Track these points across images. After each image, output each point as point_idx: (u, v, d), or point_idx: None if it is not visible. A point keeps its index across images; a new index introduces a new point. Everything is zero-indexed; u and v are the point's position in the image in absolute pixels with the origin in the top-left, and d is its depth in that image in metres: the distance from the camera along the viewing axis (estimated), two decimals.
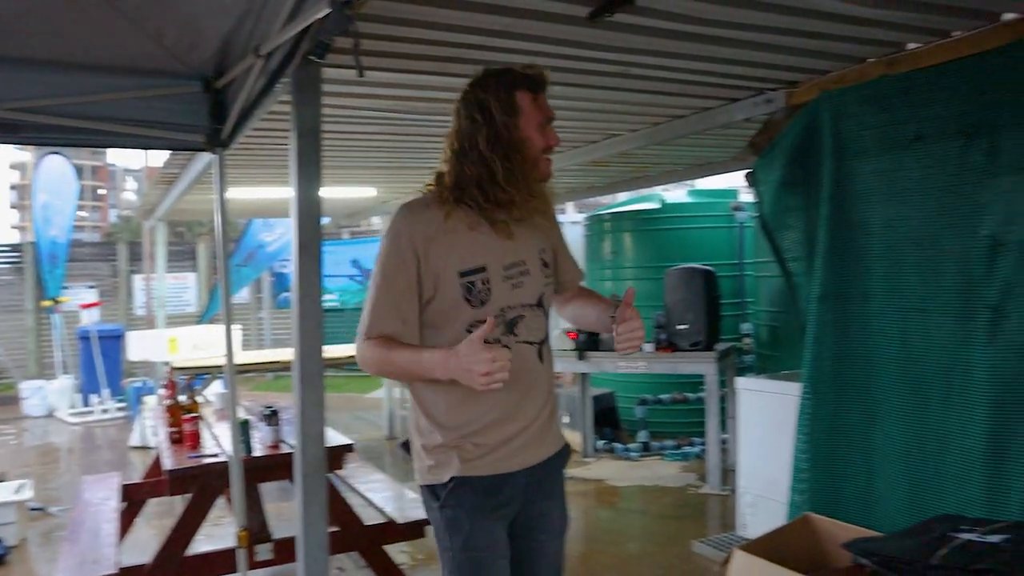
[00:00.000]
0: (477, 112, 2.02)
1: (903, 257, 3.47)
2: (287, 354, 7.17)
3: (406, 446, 7.58)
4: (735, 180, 6.57)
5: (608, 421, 7.48)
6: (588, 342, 6.27)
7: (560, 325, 7.09)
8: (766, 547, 2.91)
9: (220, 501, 3.92)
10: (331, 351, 7.28)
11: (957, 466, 3.26)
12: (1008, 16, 3.10)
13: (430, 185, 2.08)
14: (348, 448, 4.02)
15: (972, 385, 3.20)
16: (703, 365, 5.91)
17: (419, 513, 4.20)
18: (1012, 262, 3.07)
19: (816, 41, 3.34)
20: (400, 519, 4.08)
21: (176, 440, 4.18)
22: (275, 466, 3.84)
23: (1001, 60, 3.10)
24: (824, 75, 3.86)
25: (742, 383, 4.83)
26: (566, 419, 7.18)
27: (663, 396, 7.27)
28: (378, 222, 9.51)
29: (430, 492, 2.06)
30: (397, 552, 4.42)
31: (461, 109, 2.06)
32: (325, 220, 9.77)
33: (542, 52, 3.31)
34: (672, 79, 3.87)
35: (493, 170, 1.98)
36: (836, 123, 3.74)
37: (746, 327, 7.36)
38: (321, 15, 1.76)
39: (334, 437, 4.02)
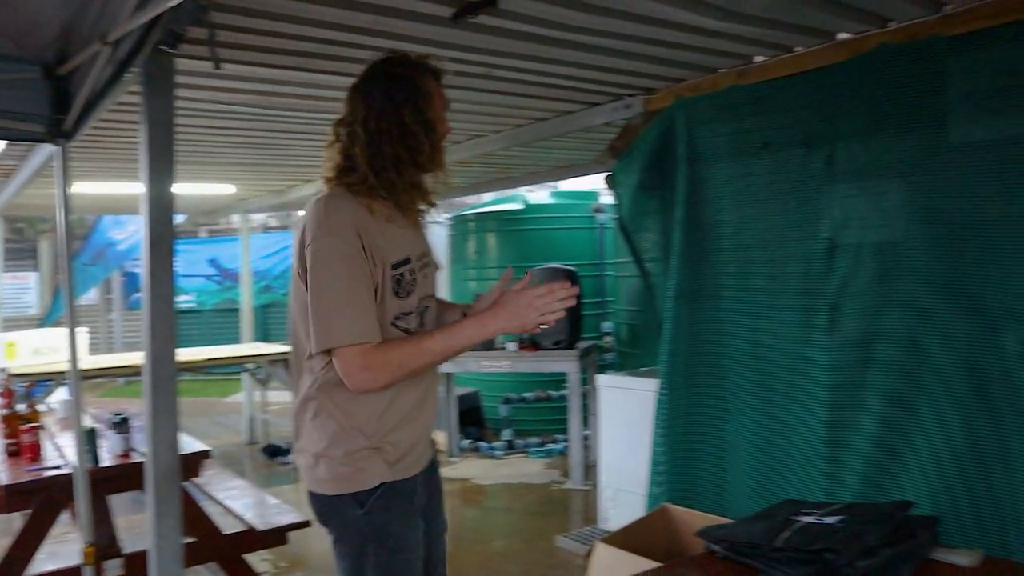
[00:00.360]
0: (398, 90, 1.97)
1: (751, 258, 3.66)
2: (139, 358, 6.84)
3: (270, 450, 7.38)
4: (596, 182, 6.74)
5: (473, 420, 7.51)
6: None
7: None
8: (626, 539, 3.01)
9: (66, 516, 3.70)
10: (188, 354, 6.99)
11: (800, 453, 3.47)
12: (843, 35, 3.33)
13: (331, 177, 1.98)
14: (205, 455, 3.87)
15: (813, 378, 3.41)
16: (565, 363, 6.03)
17: (281, 519, 4.09)
18: (847, 263, 3.30)
19: (671, 50, 3.48)
20: (261, 526, 3.97)
21: (13, 453, 3.91)
22: (125, 476, 3.65)
23: (838, 76, 3.32)
24: (679, 83, 4.02)
25: (603, 380, 4.96)
26: None
27: (527, 394, 7.37)
28: (238, 220, 9.17)
29: (351, 499, 1.93)
30: (258, 560, 4.29)
31: (372, 90, 1.98)
32: (180, 217, 9.38)
33: (407, 51, 3.29)
34: (534, 82, 3.93)
35: (417, 148, 1.96)
36: (690, 129, 3.90)
37: (607, 326, 7.56)
38: (173, 3, 1.69)
39: (189, 443, 3.86)
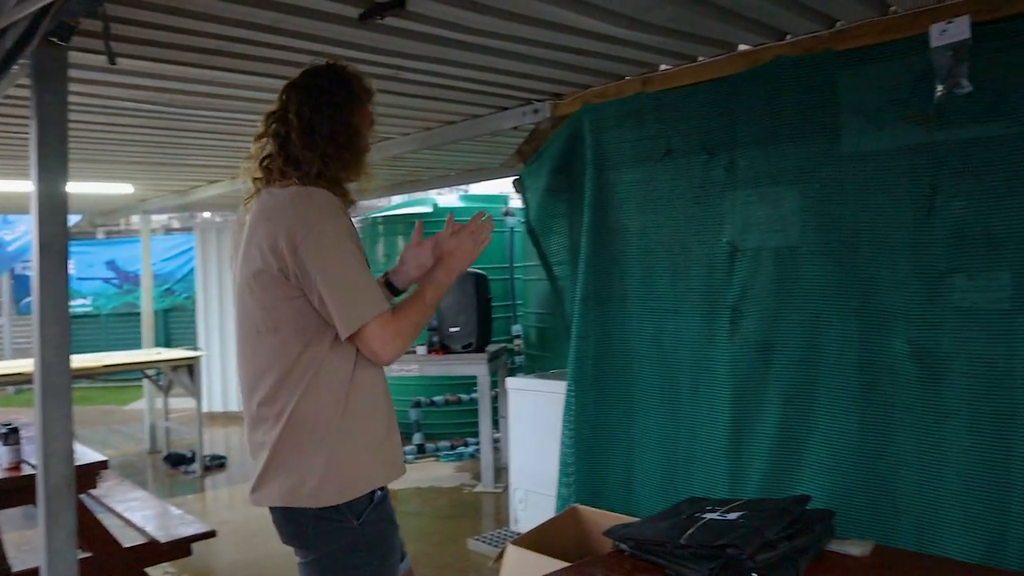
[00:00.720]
0: (343, 94, 2.00)
1: (656, 262, 3.75)
2: (30, 365, 6.52)
3: (173, 459, 7.14)
4: (506, 186, 6.77)
5: None
6: None
7: None
8: (536, 540, 3.03)
9: None
10: (84, 360, 6.70)
11: (704, 452, 3.57)
12: (743, 47, 3.44)
13: (277, 169, 1.96)
14: (102, 465, 3.72)
15: (715, 379, 3.51)
16: (475, 366, 6.03)
17: (185, 530, 3.97)
18: (747, 267, 3.41)
19: (578, 57, 3.53)
20: (164, 538, 3.84)
21: None
22: (15, 490, 3.48)
23: (738, 85, 3.43)
24: (586, 89, 4.08)
25: (512, 383, 4.98)
26: None
27: (436, 398, 7.35)
28: (137, 221, 8.85)
29: (347, 509, 1.87)
30: (161, 574, 4.16)
31: (313, 88, 1.99)
32: (75, 218, 8.97)
33: (312, 51, 3.23)
34: (443, 85, 3.93)
35: (361, 149, 2.04)
36: (597, 135, 3.96)
37: (516, 329, 7.61)
38: None
39: (85, 454, 3.71)
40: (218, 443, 8.12)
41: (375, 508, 1.93)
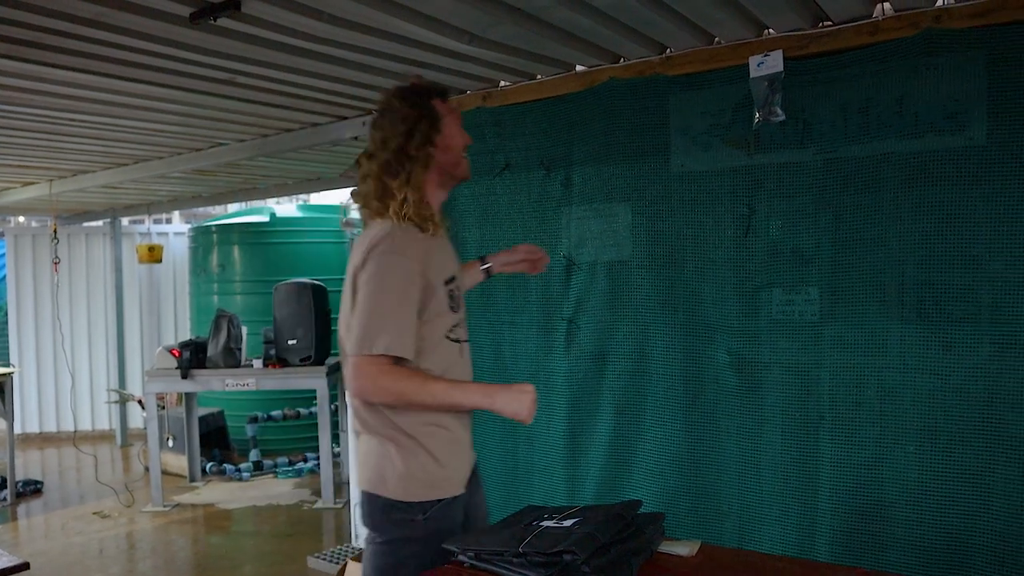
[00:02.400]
0: (415, 114, 2.10)
1: (495, 275, 3.79)
2: None
3: None
4: (345, 196, 6.68)
5: (217, 442, 7.14)
6: (193, 359, 5.92)
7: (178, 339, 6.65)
8: None
9: None
10: None
11: (543, 461, 3.65)
12: (580, 68, 3.57)
13: (372, 205, 2.10)
14: None
15: (554, 389, 3.60)
16: (314, 380, 5.90)
17: None
18: (583, 280, 3.53)
19: (419, 69, 3.52)
20: None
21: None
22: None
23: (575, 104, 3.55)
24: None
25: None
26: (170, 442, 6.73)
27: (274, 412, 7.13)
28: None
29: (416, 506, 2.08)
30: None
31: (388, 118, 2.12)
32: None
33: (140, 48, 3.09)
34: (281, 91, 3.84)
35: (448, 161, 2.15)
36: None
37: None
38: None
39: None
40: (33, 467, 7.52)
41: (440, 510, 2.11)
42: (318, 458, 6.13)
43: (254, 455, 6.91)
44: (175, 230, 9.51)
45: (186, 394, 6.54)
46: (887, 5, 2.84)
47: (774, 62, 2.90)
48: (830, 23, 2.97)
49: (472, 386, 2.16)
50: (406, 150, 2.07)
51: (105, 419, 8.87)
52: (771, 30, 3.07)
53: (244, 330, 6.16)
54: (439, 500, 2.12)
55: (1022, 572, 2.65)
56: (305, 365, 5.92)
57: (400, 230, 2.03)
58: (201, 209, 11.30)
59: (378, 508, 2.12)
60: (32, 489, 6.63)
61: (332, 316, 6.32)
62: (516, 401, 2.07)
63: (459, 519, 2.20)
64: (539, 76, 3.69)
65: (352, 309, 2.05)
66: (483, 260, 2.60)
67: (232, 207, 9.77)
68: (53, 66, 3.22)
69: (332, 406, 5.99)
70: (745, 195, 3.13)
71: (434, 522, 2.10)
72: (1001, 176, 2.66)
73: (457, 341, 2.17)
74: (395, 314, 1.98)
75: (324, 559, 4.68)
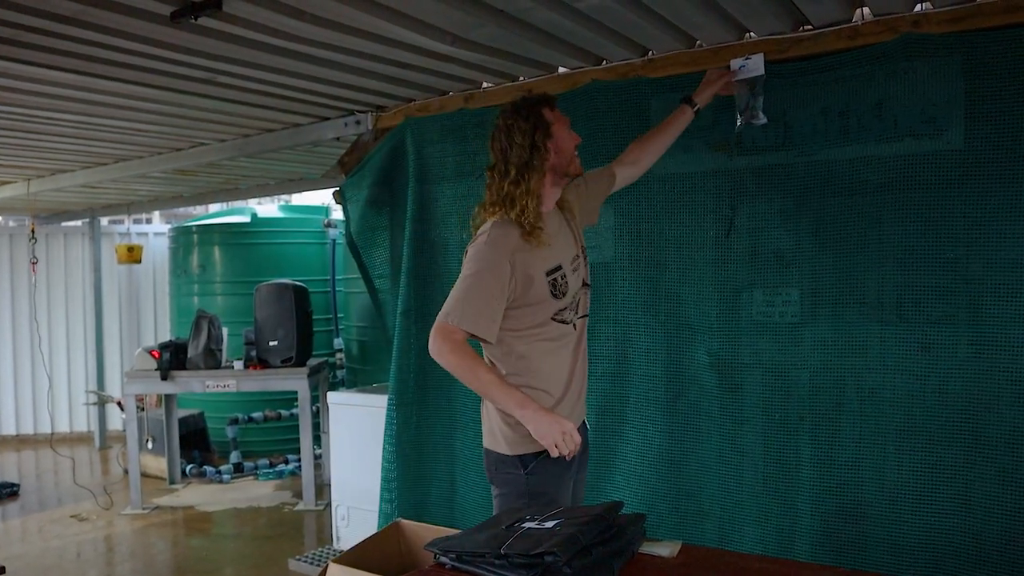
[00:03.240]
0: (525, 123, 2.37)
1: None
2: None
3: None
4: (327, 197, 6.66)
5: (197, 443, 7.09)
6: (173, 361, 5.88)
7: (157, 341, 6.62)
8: (359, 557, 2.97)
9: None
10: None
11: None
12: (563, 69, 3.57)
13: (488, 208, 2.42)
14: None
15: None
16: (295, 381, 5.87)
17: None
18: None
19: (402, 70, 3.53)
20: None
21: None
22: None
23: (557, 106, 3.54)
24: (409, 103, 4.09)
25: (333, 398, 4.89)
26: (150, 444, 6.68)
27: (255, 414, 7.08)
28: None
29: (518, 460, 2.37)
30: None
31: (502, 131, 2.40)
32: None
33: (120, 47, 3.07)
34: (262, 91, 3.82)
35: (558, 164, 2.42)
36: (419, 149, 3.97)
37: (338, 342, 7.47)
38: None
39: None
40: (10, 469, 7.43)
41: (540, 465, 2.33)
42: (299, 460, 6.10)
43: (235, 457, 6.87)
44: (155, 230, 9.44)
45: (166, 396, 6.49)
46: (866, 10, 2.87)
47: (755, 65, 2.91)
48: (810, 27, 2.99)
49: (515, 393, 2.27)
50: (525, 160, 2.35)
51: (83, 421, 8.78)
52: (752, 34, 3.10)
53: (225, 331, 6.13)
54: (537, 454, 2.32)
55: (1000, 570, 2.68)
56: (286, 366, 5.89)
57: (499, 227, 2.34)
58: (182, 209, 11.21)
59: (492, 462, 2.44)
60: (8, 492, 6.55)
61: (314, 317, 6.31)
62: (544, 425, 2.20)
63: (564, 483, 2.42)
64: (522, 78, 3.70)
65: None
66: (690, 102, 2.88)
67: (213, 207, 9.70)
68: (31, 64, 3.19)
69: (313, 407, 5.96)
70: (726, 197, 3.15)
71: (536, 478, 2.35)
72: (978, 179, 2.69)
73: (564, 323, 2.41)
74: (476, 297, 2.27)
75: (305, 561, 4.66)
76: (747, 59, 2.93)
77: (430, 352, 2.29)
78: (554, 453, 2.22)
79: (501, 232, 2.33)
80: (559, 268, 2.39)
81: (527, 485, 2.36)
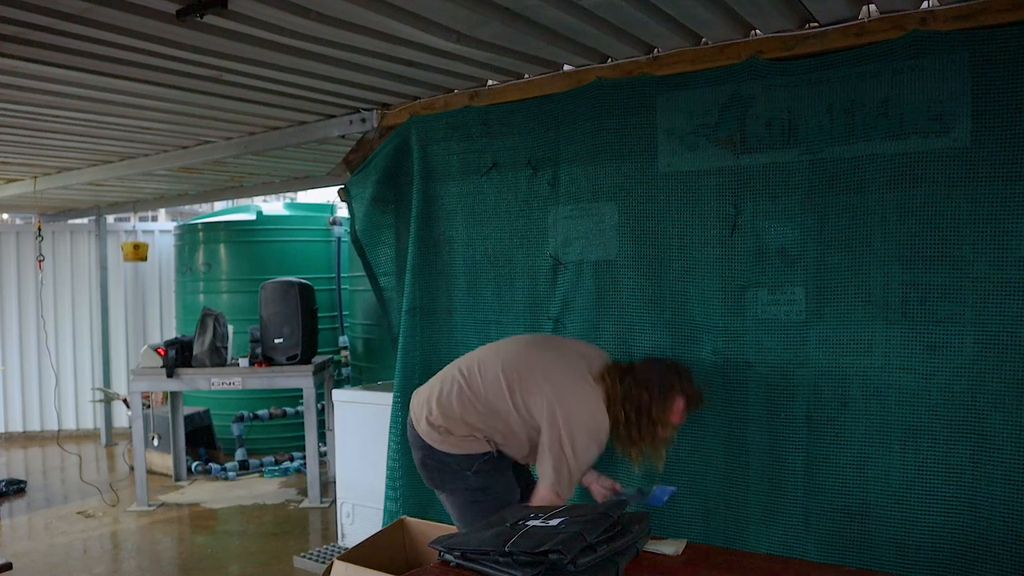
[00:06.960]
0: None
1: (481, 273, 3.80)
2: None
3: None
4: (332, 195, 6.66)
5: (202, 441, 7.11)
6: (179, 358, 5.89)
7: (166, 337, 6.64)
8: (364, 554, 2.99)
9: None
10: None
11: None
12: (568, 67, 3.57)
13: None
14: None
15: None
16: (300, 379, 5.87)
17: None
18: (569, 279, 3.53)
19: (407, 67, 3.53)
20: None
21: None
22: None
23: (562, 104, 3.55)
24: (414, 100, 4.09)
25: (338, 395, 4.89)
26: (156, 441, 6.69)
27: (260, 412, 7.09)
28: None
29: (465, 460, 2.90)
30: None
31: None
32: None
33: (126, 45, 3.07)
34: (268, 89, 3.82)
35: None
36: (424, 146, 3.97)
37: (343, 340, 7.47)
38: None
39: None
40: (17, 466, 7.46)
41: (485, 463, 2.83)
42: (304, 457, 6.10)
43: (240, 454, 6.88)
44: (161, 228, 9.45)
45: (171, 393, 6.50)
46: (873, 7, 2.86)
47: (658, 498, 2.81)
48: (816, 24, 2.99)
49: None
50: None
51: (90, 418, 8.81)
52: (758, 31, 3.09)
53: (230, 329, 6.13)
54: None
55: (1007, 569, 2.67)
56: (292, 364, 5.90)
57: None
58: (187, 207, 11.24)
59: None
60: (15, 489, 6.58)
61: (319, 315, 6.31)
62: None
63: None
64: (527, 75, 3.69)
65: None
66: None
67: (219, 205, 9.72)
68: (37, 62, 3.19)
69: (319, 405, 5.97)
70: (731, 195, 3.14)
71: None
72: (985, 177, 2.68)
73: None
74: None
75: (310, 559, 4.66)
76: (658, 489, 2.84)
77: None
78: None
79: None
80: None
81: (474, 482, 2.85)
